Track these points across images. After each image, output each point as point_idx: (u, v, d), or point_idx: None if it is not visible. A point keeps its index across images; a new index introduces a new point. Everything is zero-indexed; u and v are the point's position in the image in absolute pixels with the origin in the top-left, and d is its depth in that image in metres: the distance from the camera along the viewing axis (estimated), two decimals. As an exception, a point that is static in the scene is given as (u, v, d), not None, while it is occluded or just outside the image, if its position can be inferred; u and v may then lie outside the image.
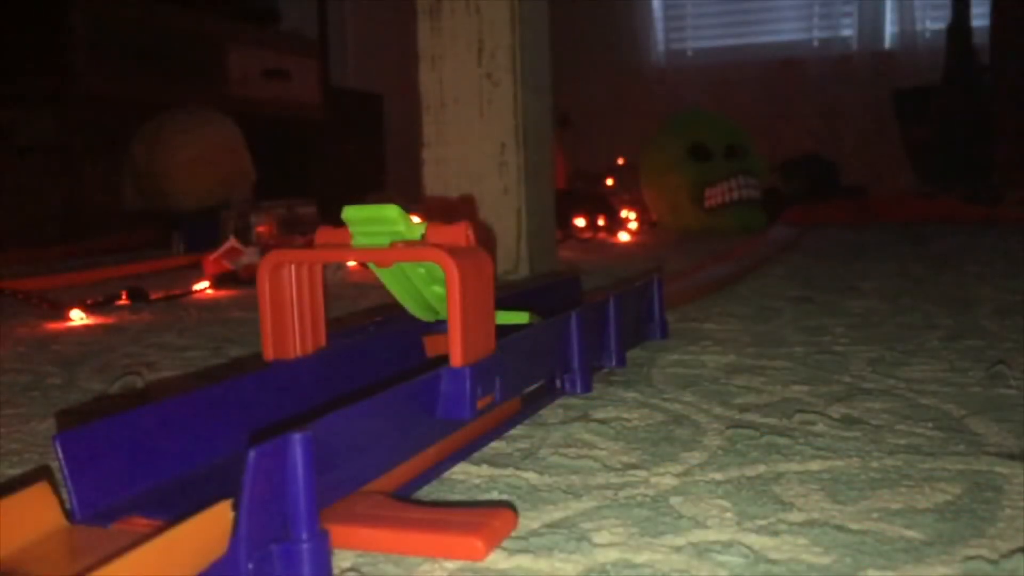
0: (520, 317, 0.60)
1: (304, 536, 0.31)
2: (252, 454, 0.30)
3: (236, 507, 0.30)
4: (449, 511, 0.37)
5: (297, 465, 0.31)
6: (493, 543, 0.34)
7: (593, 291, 1.00)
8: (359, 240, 0.49)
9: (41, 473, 0.47)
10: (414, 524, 0.34)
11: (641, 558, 0.34)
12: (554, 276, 1.19)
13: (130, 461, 0.37)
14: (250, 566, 0.30)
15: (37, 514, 0.32)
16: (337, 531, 0.34)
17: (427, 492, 0.42)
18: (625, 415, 0.54)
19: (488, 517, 0.35)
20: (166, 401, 0.40)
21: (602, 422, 0.53)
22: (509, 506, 0.39)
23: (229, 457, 0.42)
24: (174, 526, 0.29)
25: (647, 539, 0.36)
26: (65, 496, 0.35)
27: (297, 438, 0.31)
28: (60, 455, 0.34)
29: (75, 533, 0.33)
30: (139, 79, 2.21)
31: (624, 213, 2.19)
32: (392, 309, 0.59)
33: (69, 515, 0.34)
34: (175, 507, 0.33)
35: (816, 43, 3.27)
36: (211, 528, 0.29)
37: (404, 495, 0.40)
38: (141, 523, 0.34)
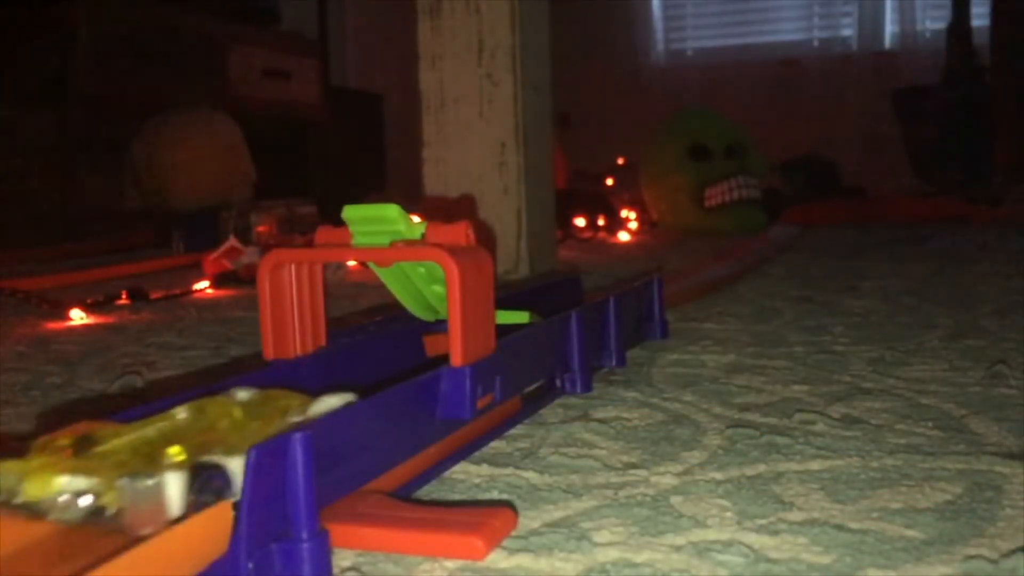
0: (520, 317, 0.60)
1: (304, 535, 0.31)
2: (252, 453, 0.30)
3: (236, 506, 0.30)
4: (449, 511, 0.37)
5: (297, 464, 0.31)
6: (493, 542, 0.34)
7: (594, 291, 1.00)
8: (359, 239, 0.49)
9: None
10: (414, 523, 0.34)
11: (641, 557, 0.34)
12: (554, 276, 1.19)
13: (130, 460, 0.37)
14: (250, 566, 0.30)
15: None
16: (337, 530, 0.34)
17: (427, 492, 0.42)
18: (625, 415, 0.54)
19: (488, 516, 0.35)
20: (167, 400, 0.40)
21: (602, 422, 0.53)
22: (509, 505, 0.39)
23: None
24: (174, 525, 0.29)
25: (647, 538, 0.36)
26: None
27: (297, 437, 0.31)
28: (60, 454, 0.34)
29: (74, 532, 0.33)
30: (139, 79, 2.21)
31: (624, 213, 2.18)
32: (392, 309, 0.59)
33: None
34: (175, 506, 0.33)
35: (816, 43, 3.27)
36: (211, 527, 0.29)
37: (404, 495, 0.40)
38: (141, 522, 0.34)
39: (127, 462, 0.31)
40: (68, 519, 0.30)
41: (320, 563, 0.31)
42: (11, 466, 0.30)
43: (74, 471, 0.30)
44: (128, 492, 0.29)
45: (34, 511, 0.30)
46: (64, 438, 0.32)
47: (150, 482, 0.29)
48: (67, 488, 0.30)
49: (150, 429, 0.34)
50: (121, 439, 0.32)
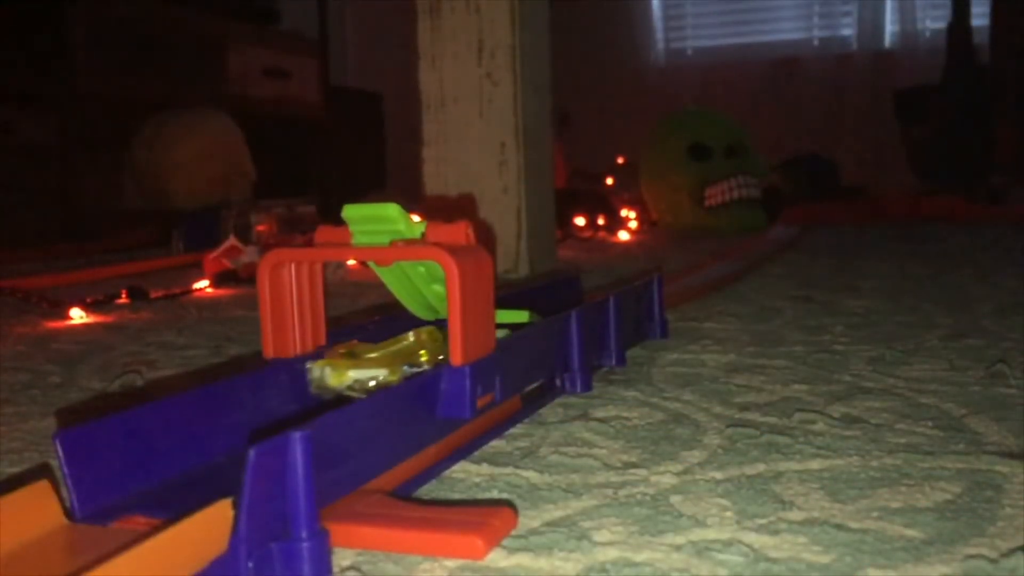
0: (520, 316, 0.60)
1: (304, 535, 0.31)
2: (252, 453, 0.30)
3: (236, 506, 0.30)
4: (449, 510, 0.37)
5: (297, 464, 0.31)
6: (493, 542, 0.35)
7: (594, 290, 1.00)
8: (359, 239, 0.49)
9: (41, 471, 0.47)
10: (414, 523, 0.34)
11: (641, 557, 0.34)
12: (555, 275, 1.19)
13: (130, 460, 0.37)
14: (250, 565, 0.30)
15: (37, 512, 0.32)
16: (337, 529, 0.34)
17: (427, 491, 0.42)
18: (625, 414, 0.54)
19: (488, 516, 0.35)
20: (166, 400, 0.40)
21: (602, 421, 0.53)
22: (509, 505, 0.39)
23: (229, 456, 0.42)
24: (173, 524, 0.29)
25: (647, 538, 0.36)
26: (65, 494, 0.35)
27: (297, 437, 0.31)
28: (60, 453, 0.34)
29: (75, 531, 0.33)
30: (139, 79, 2.21)
31: (624, 212, 2.18)
32: (392, 308, 0.59)
33: (69, 513, 0.34)
34: (175, 506, 0.33)
35: (816, 42, 3.27)
36: (211, 527, 0.29)
37: (404, 494, 0.40)
38: (140, 522, 0.34)
39: (395, 360, 0.48)
40: (359, 394, 0.47)
41: (320, 563, 0.31)
42: (318, 364, 0.48)
43: (358, 367, 0.47)
44: (409, 374, 0.48)
45: (335, 391, 0.48)
46: (341, 349, 0.49)
47: (419, 369, 0.48)
48: (356, 377, 0.47)
49: (394, 345, 0.51)
50: (380, 351, 0.50)
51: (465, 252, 0.45)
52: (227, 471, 0.40)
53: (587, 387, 0.60)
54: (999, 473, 0.42)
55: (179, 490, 0.38)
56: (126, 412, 0.38)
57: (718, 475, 0.43)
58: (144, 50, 2.22)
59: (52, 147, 2.04)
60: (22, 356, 0.80)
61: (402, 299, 0.55)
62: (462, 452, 0.46)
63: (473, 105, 1.26)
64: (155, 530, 0.28)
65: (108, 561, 0.26)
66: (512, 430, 0.51)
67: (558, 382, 0.59)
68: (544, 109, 1.31)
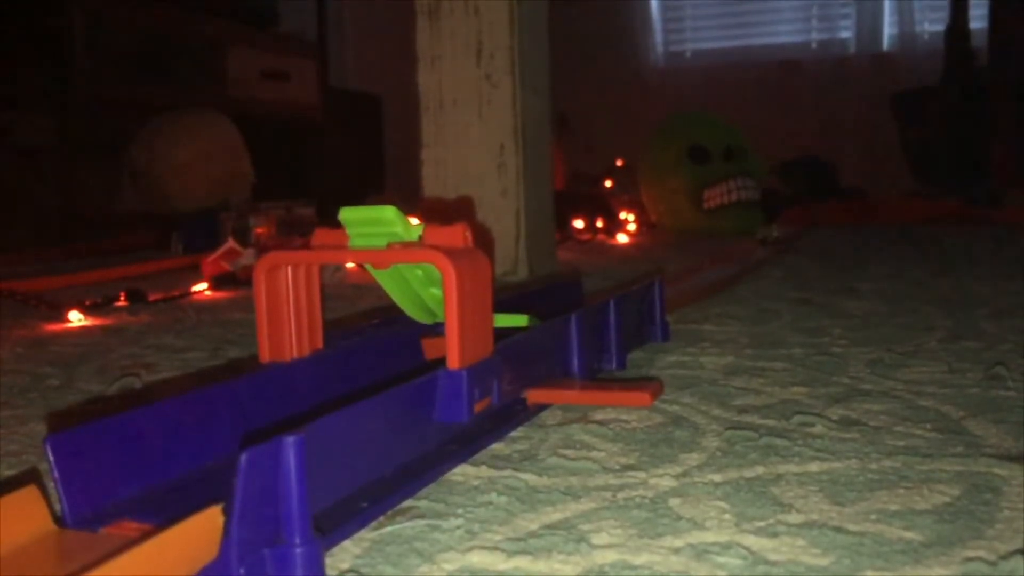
0: (519, 320, 0.60)
1: (297, 541, 0.31)
2: (244, 457, 0.29)
3: (227, 511, 0.29)
4: (623, 382, 0.57)
5: (290, 468, 0.31)
6: (655, 396, 0.52)
7: (594, 293, 1.00)
8: (356, 241, 0.49)
9: (30, 476, 0.47)
10: (601, 387, 0.52)
11: (640, 559, 0.34)
12: (556, 279, 1.19)
13: (122, 464, 0.37)
14: (241, 571, 0.30)
15: (24, 518, 0.32)
16: (543, 395, 0.51)
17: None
18: (623, 416, 0.54)
19: (649, 383, 0.53)
20: (159, 403, 0.40)
21: (601, 423, 0.53)
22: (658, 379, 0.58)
23: (223, 460, 0.42)
24: (163, 531, 0.28)
25: (646, 540, 0.36)
26: (55, 499, 0.34)
27: (290, 441, 0.31)
28: (51, 457, 0.34)
29: (63, 537, 0.32)
30: (138, 80, 2.21)
31: (623, 215, 2.18)
32: (390, 311, 0.59)
33: (59, 519, 0.34)
34: (167, 511, 0.33)
35: (815, 45, 3.27)
36: (201, 532, 0.29)
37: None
38: (131, 527, 0.34)
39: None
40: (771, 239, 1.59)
41: (313, 568, 0.31)
42: (770, 230, 1.58)
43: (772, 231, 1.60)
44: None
45: (770, 237, 1.60)
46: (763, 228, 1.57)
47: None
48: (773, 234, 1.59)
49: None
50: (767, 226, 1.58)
51: (462, 255, 0.45)
52: (222, 475, 0.40)
53: (586, 390, 0.60)
54: (997, 476, 0.42)
55: (172, 495, 0.38)
56: (118, 416, 0.37)
57: (717, 478, 0.43)
58: (143, 52, 2.22)
59: (51, 149, 2.04)
60: (21, 359, 0.80)
61: (399, 302, 0.55)
62: (461, 454, 0.46)
63: (472, 107, 1.25)
64: (145, 536, 0.28)
65: (96, 568, 0.26)
66: (511, 432, 0.51)
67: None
68: (543, 111, 1.31)
